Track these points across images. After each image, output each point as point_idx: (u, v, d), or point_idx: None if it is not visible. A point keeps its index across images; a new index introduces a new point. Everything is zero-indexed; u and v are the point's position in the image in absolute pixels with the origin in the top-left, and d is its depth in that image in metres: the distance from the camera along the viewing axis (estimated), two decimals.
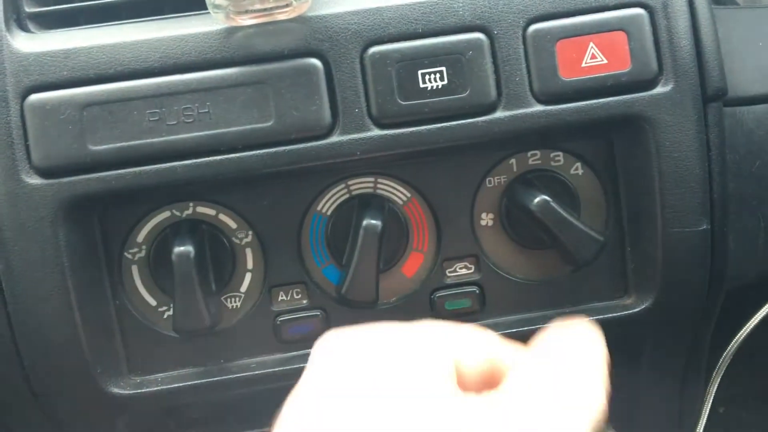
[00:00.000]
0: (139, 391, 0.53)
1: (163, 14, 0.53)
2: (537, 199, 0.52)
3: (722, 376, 0.61)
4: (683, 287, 0.55)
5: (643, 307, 0.55)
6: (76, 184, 0.49)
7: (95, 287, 0.53)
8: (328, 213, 0.55)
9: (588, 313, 0.55)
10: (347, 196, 0.55)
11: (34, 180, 0.49)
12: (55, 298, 0.50)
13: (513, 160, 0.56)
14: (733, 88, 0.55)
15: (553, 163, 0.56)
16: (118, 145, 0.49)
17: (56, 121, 0.49)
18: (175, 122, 0.49)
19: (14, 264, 0.50)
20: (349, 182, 0.55)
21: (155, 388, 0.54)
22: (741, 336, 0.59)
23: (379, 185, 0.55)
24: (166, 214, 0.54)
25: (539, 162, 0.56)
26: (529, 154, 0.56)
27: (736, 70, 0.55)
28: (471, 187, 0.56)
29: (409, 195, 0.56)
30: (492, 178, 0.56)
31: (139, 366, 0.55)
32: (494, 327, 0.50)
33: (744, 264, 0.57)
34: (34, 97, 0.49)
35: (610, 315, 0.55)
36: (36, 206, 0.49)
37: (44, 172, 0.49)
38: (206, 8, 0.48)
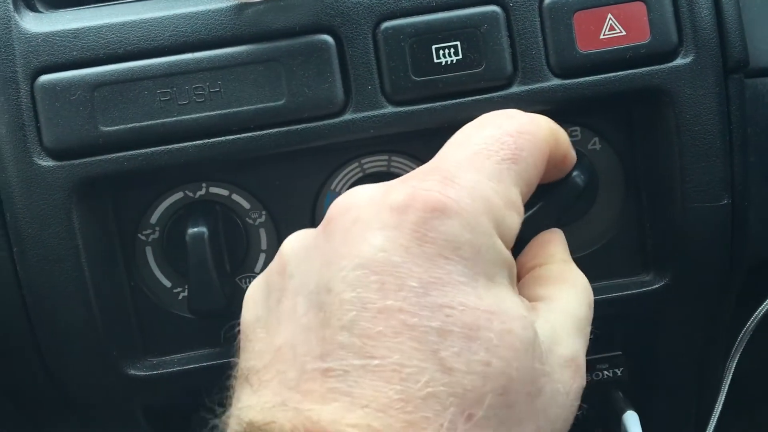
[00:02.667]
0: (155, 372, 0.53)
1: None
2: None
3: (742, 352, 0.61)
4: (703, 263, 0.54)
5: (663, 283, 0.54)
6: (89, 166, 0.49)
7: (110, 269, 0.53)
8: (342, 192, 0.55)
9: (605, 290, 0.54)
10: (361, 174, 0.54)
11: (46, 162, 0.49)
12: (69, 280, 0.50)
13: None
14: (755, 59, 0.53)
15: (570, 138, 0.55)
16: (130, 125, 0.48)
17: (67, 102, 0.48)
18: (186, 102, 0.49)
19: (28, 247, 0.50)
20: (363, 160, 0.54)
21: (171, 369, 0.54)
22: (761, 311, 0.58)
23: (393, 163, 0.54)
24: (179, 194, 0.54)
25: None
26: None
27: (757, 40, 0.54)
28: None
29: None
30: None
31: (154, 347, 0.55)
32: None
33: (765, 239, 0.56)
34: (44, 78, 0.49)
35: (629, 292, 0.55)
36: (49, 188, 0.49)
37: (56, 154, 0.49)
38: None
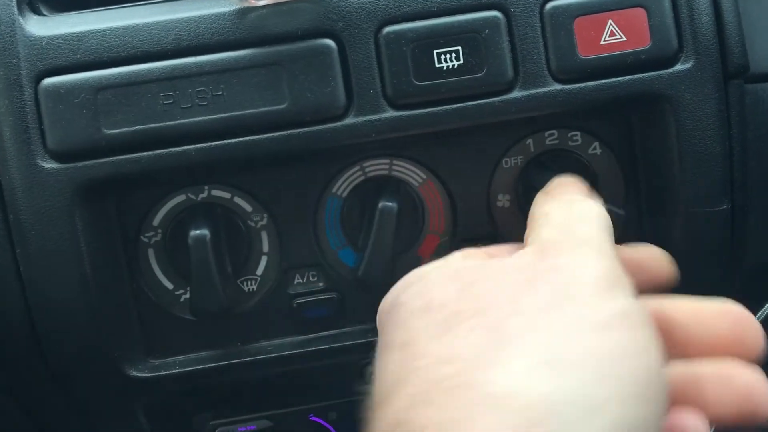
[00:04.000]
0: (157, 373, 0.54)
1: None
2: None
3: None
4: (703, 267, 0.55)
5: None
6: (92, 168, 0.49)
7: (112, 271, 0.53)
8: (344, 195, 0.55)
9: None
10: (363, 178, 0.55)
11: (50, 164, 0.49)
12: (72, 281, 0.50)
13: (530, 141, 0.55)
14: (755, 64, 0.53)
15: (570, 143, 0.55)
16: (133, 128, 0.49)
17: (70, 105, 0.49)
18: (189, 105, 0.49)
19: (32, 248, 0.50)
20: (365, 164, 0.55)
21: (173, 371, 0.54)
22: (761, 316, 0.59)
23: (394, 167, 0.55)
24: (182, 197, 0.54)
25: (556, 142, 0.55)
26: (547, 134, 0.55)
27: (757, 45, 0.54)
28: (487, 168, 0.55)
29: (424, 177, 0.55)
30: (508, 159, 0.55)
31: (157, 349, 0.55)
32: None
33: (765, 243, 0.56)
34: (47, 81, 0.49)
35: None
36: (52, 191, 0.49)
37: (60, 157, 0.49)
38: None
